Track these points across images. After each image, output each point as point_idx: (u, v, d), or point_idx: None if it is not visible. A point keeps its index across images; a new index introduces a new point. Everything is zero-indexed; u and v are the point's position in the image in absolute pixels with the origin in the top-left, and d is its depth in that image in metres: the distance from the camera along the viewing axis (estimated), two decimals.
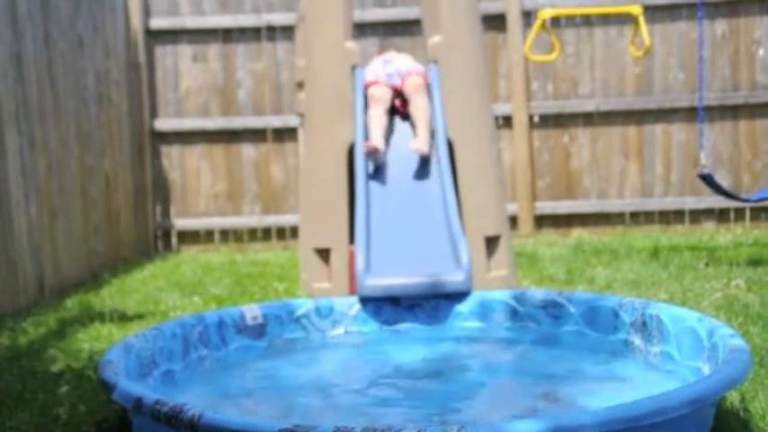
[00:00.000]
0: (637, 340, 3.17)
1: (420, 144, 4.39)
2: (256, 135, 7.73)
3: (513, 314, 3.59)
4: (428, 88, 4.84)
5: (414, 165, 4.70)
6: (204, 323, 3.29)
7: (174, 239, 7.76)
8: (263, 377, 3.21)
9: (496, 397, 2.92)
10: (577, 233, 7.53)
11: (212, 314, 3.41)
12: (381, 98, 4.72)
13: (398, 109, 4.91)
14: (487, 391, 3.04)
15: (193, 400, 2.32)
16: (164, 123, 7.71)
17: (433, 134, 4.68)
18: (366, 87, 4.83)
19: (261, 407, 2.86)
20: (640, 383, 2.92)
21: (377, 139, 4.49)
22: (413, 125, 4.73)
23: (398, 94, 4.91)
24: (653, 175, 7.59)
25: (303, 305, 3.62)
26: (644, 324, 3.14)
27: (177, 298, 4.99)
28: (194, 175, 7.76)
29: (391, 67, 4.98)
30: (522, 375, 3.12)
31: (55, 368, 3.52)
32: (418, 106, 4.63)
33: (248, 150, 7.75)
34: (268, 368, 3.30)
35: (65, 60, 5.85)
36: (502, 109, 7.50)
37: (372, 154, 4.46)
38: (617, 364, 3.12)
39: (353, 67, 4.85)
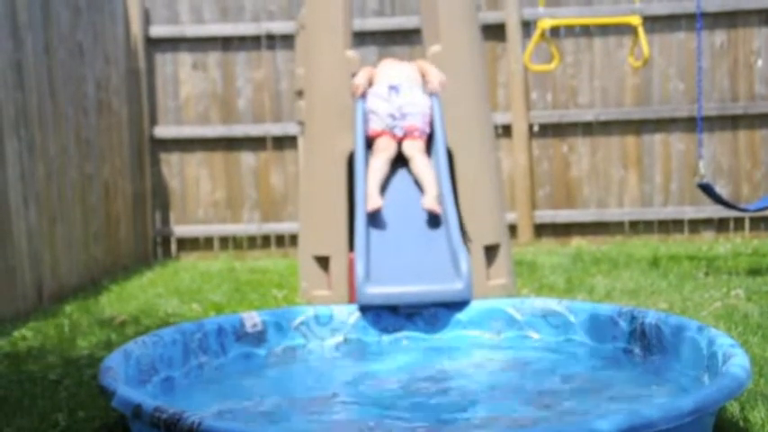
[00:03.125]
0: (636, 349, 3.17)
1: (431, 203, 4.29)
2: (256, 143, 7.72)
3: (513, 323, 3.59)
4: (427, 146, 4.69)
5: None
6: (204, 330, 3.29)
7: (173, 246, 7.75)
8: (262, 384, 3.21)
9: (495, 406, 2.92)
10: (577, 242, 7.53)
11: (212, 321, 3.41)
12: (386, 148, 4.58)
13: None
14: (486, 400, 3.03)
15: (193, 408, 2.32)
16: (163, 131, 7.71)
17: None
18: (371, 137, 4.65)
19: (260, 415, 2.85)
20: (639, 393, 2.92)
21: (375, 198, 4.31)
22: (417, 182, 4.54)
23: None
24: (652, 184, 7.60)
25: (302, 313, 3.62)
26: (643, 333, 3.14)
27: (176, 305, 4.98)
28: (194, 183, 7.76)
29: (396, 102, 4.67)
30: (521, 385, 3.12)
31: (54, 374, 3.51)
32: (420, 166, 4.51)
33: (247, 158, 7.75)
34: (267, 376, 3.31)
35: (65, 68, 5.86)
36: (501, 118, 7.50)
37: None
38: (615, 373, 3.12)
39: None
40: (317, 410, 2.86)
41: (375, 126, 4.65)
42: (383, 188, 4.48)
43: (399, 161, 4.64)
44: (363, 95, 4.73)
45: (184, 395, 2.95)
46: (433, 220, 4.35)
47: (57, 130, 5.66)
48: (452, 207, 4.38)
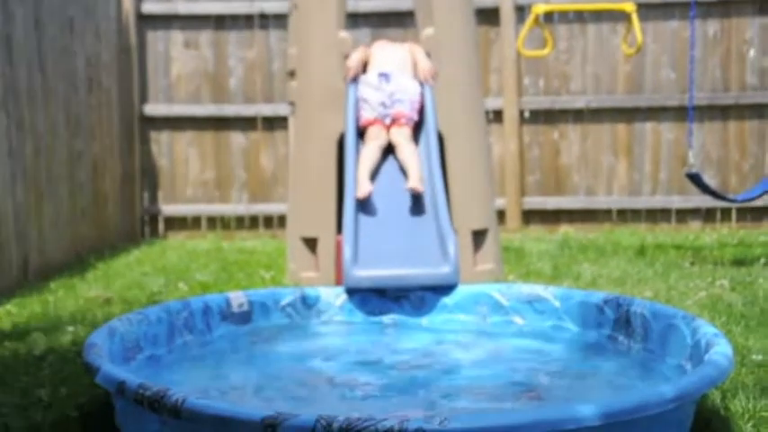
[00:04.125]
0: (620, 337, 3.19)
1: (415, 183, 4.31)
2: (246, 123, 7.70)
3: (498, 308, 3.60)
4: (415, 133, 4.70)
5: None
6: (190, 309, 3.29)
7: (161, 225, 7.74)
8: (247, 364, 3.22)
9: (479, 390, 2.93)
10: (564, 229, 7.55)
11: (198, 300, 3.41)
12: (377, 137, 4.59)
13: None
14: (470, 384, 3.05)
15: (177, 386, 2.32)
16: (153, 109, 7.68)
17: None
18: (363, 126, 4.66)
19: (244, 394, 2.86)
20: (622, 380, 2.94)
21: (365, 184, 4.32)
22: (403, 168, 4.55)
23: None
24: (641, 173, 7.61)
25: (289, 294, 3.63)
26: (628, 321, 3.15)
27: (163, 284, 4.98)
28: (183, 162, 7.74)
29: (386, 89, 4.69)
30: (505, 369, 3.13)
31: (38, 350, 3.51)
32: (406, 153, 4.52)
33: (238, 138, 7.73)
34: (252, 355, 3.32)
35: (55, 43, 5.82)
36: (493, 103, 7.50)
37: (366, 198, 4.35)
38: (600, 360, 3.14)
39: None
40: (302, 391, 2.87)
41: (367, 115, 4.65)
42: (373, 175, 4.48)
43: (389, 148, 4.64)
44: (355, 79, 4.73)
45: (169, 373, 2.95)
46: (422, 205, 4.35)
47: (46, 106, 5.63)
48: (442, 191, 4.38)
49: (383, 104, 4.64)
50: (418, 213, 4.34)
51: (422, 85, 4.74)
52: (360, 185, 4.30)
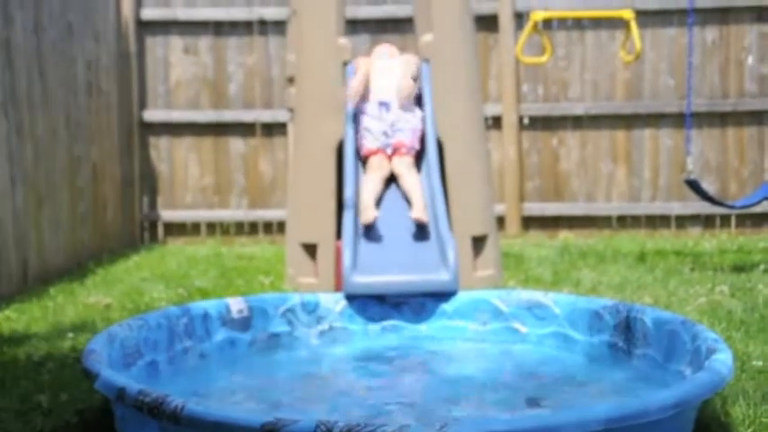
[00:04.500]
0: (620, 343, 3.18)
1: (419, 213, 4.23)
2: (245, 129, 7.71)
3: (498, 314, 3.60)
4: (417, 162, 4.62)
5: None
6: (189, 314, 3.28)
7: (160, 231, 7.74)
8: (246, 370, 3.22)
9: (478, 396, 2.93)
10: (564, 235, 7.55)
11: (198, 305, 3.40)
12: (380, 166, 4.50)
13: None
14: (470, 390, 3.04)
15: (177, 392, 2.32)
16: (153, 114, 7.68)
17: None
18: (365, 155, 4.54)
19: (244, 399, 2.86)
20: (623, 386, 2.94)
21: (370, 209, 4.22)
22: (406, 196, 4.46)
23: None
24: (640, 179, 7.62)
25: (289, 300, 3.62)
26: (628, 327, 3.15)
27: (162, 289, 4.97)
28: (182, 168, 7.74)
29: (387, 118, 4.57)
30: (505, 375, 3.13)
31: (37, 356, 3.50)
32: (410, 182, 4.43)
33: (237, 144, 7.74)
34: (252, 361, 3.31)
35: (54, 48, 5.83)
36: (492, 110, 7.50)
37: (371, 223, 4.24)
38: (599, 367, 3.14)
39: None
40: (301, 397, 2.86)
41: (369, 144, 4.58)
42: (377, 204, 4.42)
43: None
44: (358, 102, 4.69)
45: (169, 379, 2.95)
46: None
47: (45, 110, 5.63)
48: (441, 197, 4.38)
49: (385, 134, 4.58)
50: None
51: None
52: (365, 211, 4.24)
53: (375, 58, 4.88)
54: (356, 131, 4.64)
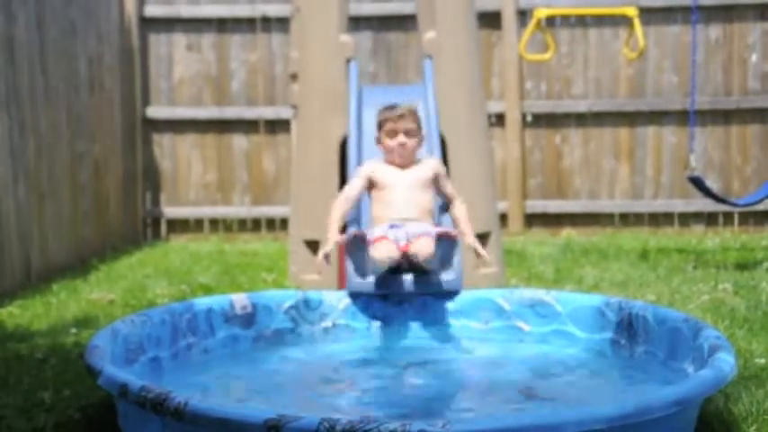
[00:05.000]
0: (623, 340, 3.18)
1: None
2: (248, 126, 7.71)
3: (501, 313, 3.59)
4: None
5: None
6: (193, 311, 3.28)
7: (163, 228, 7.74)
8: (249, 367, 3.22)
9: (481, 394, 2.93)
10: (567, 233, 7.54)
11: (201, 302, 3.40)
12: (388, 251, 3.53)
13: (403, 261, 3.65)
14: (473, 388, 3.05)
15: (180, 388, 2.32)
16: (156, 111, 7.69)
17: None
18: (371, 241, 3.57)
19: (247, 396, 2.86)
20: (625, 383, 2.94)
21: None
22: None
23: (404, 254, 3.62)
24: (643, 177, 7.62)
25: (293, 297, 3.61)
26: (630, 324, 3.15)
27: (165, 286, 4.98)
28: (185, 164, 7.75)
29: (400, 232, 3.60)
30: (508, 373, 3.13)
31: (40, 353, 3.51)
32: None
33: (240, 141, 7.74)
34: (255, 358, 3.31)
35: (57, 45, 5.83)
36: (495, 107, 7.50)
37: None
38: (602, 364, 3.14)
39: (348, 60, 4.79)
40: (304, 394, 2.86)
41: (378, 233, 3.63)
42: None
43: None
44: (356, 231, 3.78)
45: (172, 375, 2.95)
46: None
47: (48, 106, 5.63)
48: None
49: (397, 239, 3.60)
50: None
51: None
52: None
53: (382, 169, 3.73)
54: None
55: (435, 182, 3.74)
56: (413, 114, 3.69)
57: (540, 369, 3.11)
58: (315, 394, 2.87)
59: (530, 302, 3.55)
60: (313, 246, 4.79)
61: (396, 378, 3.06)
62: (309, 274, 4.75)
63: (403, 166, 3.69)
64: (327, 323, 3.61)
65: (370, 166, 3.76)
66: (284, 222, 7.32)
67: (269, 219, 7.70)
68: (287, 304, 3.57)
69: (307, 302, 3.61)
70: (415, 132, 3.67)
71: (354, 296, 3.66)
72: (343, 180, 4.60)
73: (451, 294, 3.65)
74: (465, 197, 4.68)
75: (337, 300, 3.66)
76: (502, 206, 7.24)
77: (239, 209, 7.71)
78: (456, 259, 3.79)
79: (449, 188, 3.80)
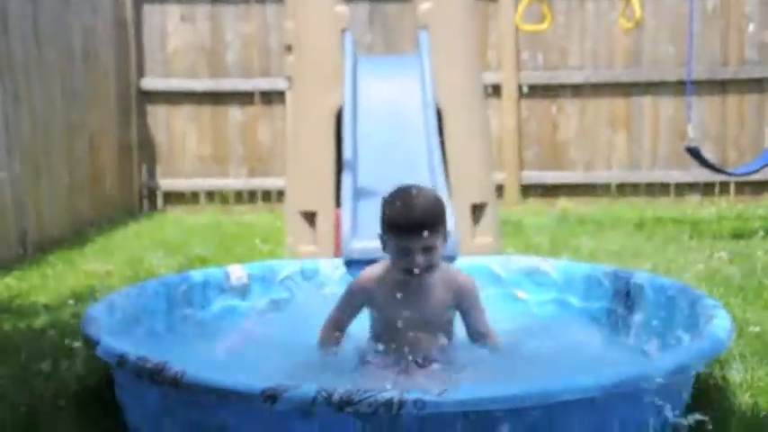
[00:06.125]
0: (619, 309, 3.17)
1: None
2: (244, 97, 7.67)
3: (497, 280, 3.58)
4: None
5: (402, 131, 4.66)
6: (188, 282, 3.27)
7: (159, 200, 7.73)
8: (246, 337, 3.20)
9: (477, 362, 2.92)
10: (563, 203, 7.53)
11: (197, 273, 3.39)
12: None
13: None
14: (468, 356, 3.03)
15: (176, 359, 2.31)
16: (151, 83, 7.64)
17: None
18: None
19: (244, 366, 2.85)
20: (622, 352, 2.94)
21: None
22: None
23: None
24: (640, 147, 7.60)
25: (288, 267, 3.60)
26: (627, 293, 3.14)
27: (161, 257, 4.98)
28: (180, 136, 7.72)
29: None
30: (503, 342, 3.11)
31: (38, 323, 3.51)
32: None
33: (235, 113, 7.71)
34: (251, 329, 3.27)
35: (51, 16, 5.78)
36: (491, 78, 7.45)
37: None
38: (599, 332, 3.12)
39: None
40: (302, 363, 2.85)
41: None
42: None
43: (388, 128, 4.59)
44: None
45: (169, 346, 2.94)
46: (421, 178, 4.32)
47: (42, 79, 5.59)
48: (440, 165, 4.37)
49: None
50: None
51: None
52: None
53: (383, 294, 2.80)
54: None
55: (459, 308, 2.80)
56: (434, 220, 2.64)
57: (537, 338, 3.09)
58: (312, 364, 2.85)
59: (526, 270, 3.54)
60: (309, 217, 4.77)
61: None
62: (306, 244, 4.73)
63: (417, 284, 2.72)
64: (324, 292, 3.60)
65: (366, 283, 2.82)
66: (280, 194, 7.29)
67: (265, 190, 7.68)
68: (283, 274, 3.55)
69: (303, 272, 3.60)
70: (436, 245, 2.65)
71: (350, 264, 3.65)
72: (339, 152, 4.60)
73: (447, 261, 3.64)
74: (461, 168, 4.69)
75: (333, 268, 3.65)
76: (498, 177, 7.23)
77: (235, 181, 7.69)
78: (451, 224, 3.79)
79: (480, 322, 2.81)
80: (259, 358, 2.83)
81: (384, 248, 2.73)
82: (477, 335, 2.79)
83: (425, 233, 2.59)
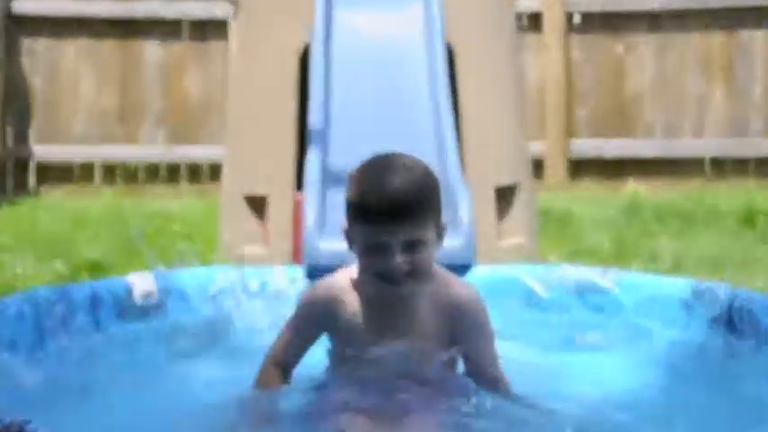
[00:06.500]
0: (719, 344, 3.18)
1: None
2: (166, 28, 7.71)
3: (534, 302, 3.61)
4: None
5: (395, 83, 4.72)
6: (69, 299, 3.27)
7: (31, 175, 7.72)
8: (155, 386, 3.13)
9: None
10: (633, 187, 7.54)
11: (82, 286, 3.42)
12: None
13: None
14: None
15: (44, 417, 2.32)
16: (26, 4, 7.64)
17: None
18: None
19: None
20: (724, 416, 2.87)
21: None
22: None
23: None
24: (747, 103, 7.62)
25: (223, 277, 3.65)
26: (730, 321, 3.15)
27: (31, 263, 4.97)
28: (69, 83, 7.73)
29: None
30: (543, 401, 3.05)
31: None
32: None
33: (153, 50, 7.75)
34: (164, 373, 3.27)
35: None
36: (527, 4, 7.45)
37: None
38: (687, 385, 3.07)
39: None
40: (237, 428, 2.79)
41: None
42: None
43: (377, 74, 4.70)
44: None
45: (33, 395, 2.88)
46: (422, 149, 4.34)
47: None
48: (451, 131, 4.40)
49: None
50: None
51: None
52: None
53: (347, 316, 2.79)
54: None
55: (457, 338, 2.73)
56: (422, 202, 2.59)
57: (598, 396, 3.03)
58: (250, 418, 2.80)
59: (577, 288, 3.56)
60: (256, 204, 4.83)
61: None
62: (251, 243, 4.76)
63: (398, 301, 2.67)
64: (276, 315, 3.57)
65: (324, 299, 2.75)
66: (215, 170, 7.25)
67: (192, 164, 7.70)
68: (215, 288, 3.61)
69: (246, 285, 3.63)
70: (424, 240, 2.59)
71: (315, 274, 3.62)
72: (303, 112, 4.61)
73: (460, 271, 3.62)
74: (481, 135, 4.69)
75: (291, 280, 3.69)
76: (535, 149, 7.20)
77: (149, 149, 7.72)
78: (466, 220, 3.79)
79: (488, 359, 2.76)
80: (171, 415, 2.78)
81: (350, 246, 2.66)
82: (483, 379, 2.70)
83: (409, 221, 2.52)
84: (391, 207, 2.50)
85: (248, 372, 3.22)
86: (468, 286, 2.80)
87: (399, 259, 2.52)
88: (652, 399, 2.96)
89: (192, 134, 7.74)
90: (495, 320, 3.48)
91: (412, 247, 2.53)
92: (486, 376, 2.69)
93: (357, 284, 2.68)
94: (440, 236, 2.63)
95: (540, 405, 2.68)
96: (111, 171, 7.73)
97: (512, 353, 3.39)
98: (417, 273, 2.56)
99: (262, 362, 2.80)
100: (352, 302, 2.68)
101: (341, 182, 4.13)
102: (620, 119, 7.71)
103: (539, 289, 3.64)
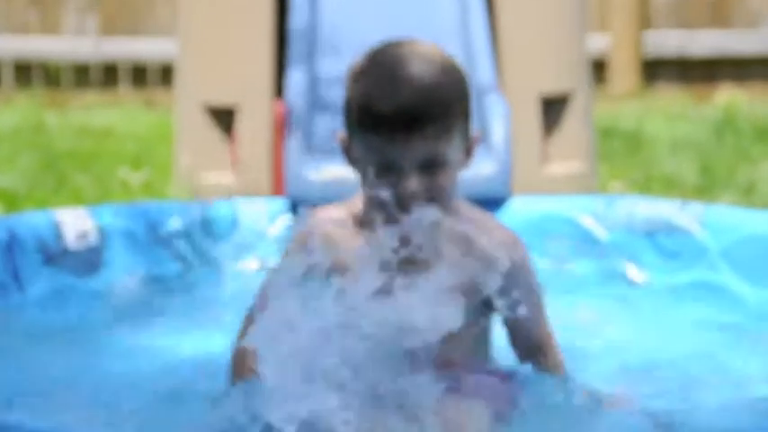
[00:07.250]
0: None
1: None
2: None
3: (590, 244, 3.67)
4: None
5: None
6: None
7: None
8: (87, 353, 3.22)
9: None
10: (728, 95, 7.56)
11: None
12: None
13: None
14: None
15: None
16: None
17: None
18: None
19: (79, 406, 2.87)
20: None
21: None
22: None
23: None
24: None
25: (179, 213, 3.68)
26: None
27: None
28: None
29: None
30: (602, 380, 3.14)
31: None
32: None
33: None
34: (99, 337, 3.33)
35: None
36: None
37: None
38: None
39: None
40: (178, 407, 2.88)
41: None
42: None
43: None
44: None
45: None
46: (444, 41, 4.40)
47: None
48: (482, 25, 4.48)
49: None
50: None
51: None
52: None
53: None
54: None
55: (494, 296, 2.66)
56: (445, 105, 2.56)
57: (668, 373, 3.11)
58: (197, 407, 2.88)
59: (647, 226, 3.61)
60: (223, 118, 4.87)
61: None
62: (215, 169, 4.82)
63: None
64: (249, 264, 3.66)
65: (319, 250, 2.62)
66: (167, 72, 7.32)
67: (136, 63, 7.73)
68: (169, 228, 3.65)
69: (206, 224, 3.67)
70: (446, 158, 2.57)
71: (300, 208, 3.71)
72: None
73: (494, 205, 3.69)
74: (521, 28, 4.76)
75: (267, 216, 3.73)
76: (597, 44, 7.24)
77: (77, 43, 7.74)
78: (500, 134, 3.83)
79: (536, 323, 2.76)
80: (106, 399, 2.88)
81: (350, 161, 2.65)
82: (527, 347, 2.72)
83: (429, 131, 2.49)
84: (405, 112, 2.46)
85: (214, 342, 3.32)
86: (506, 229, 2.77)
87: (414, 182, 2.48)
88: (729, 370, 3.03)
89: (134, 23, 7.76)
90: (540, 272, 3.60)
91: (431, 166, 2.50)
92: (532, 345, 2.70)
93: (361, 221, 2.63)
94: (468, 153, 2.61)
95: (602, 394, 2.68)
96: (25, 72, 7.75)
97: (563, 315, 3.50)
98: (438, 200, 2.51)
99: (235, 338, 2.70)
100: (350, 241, 2.62)
101: (336, 86, 4.22)
102: (713, 5, 7.72)
103: (596, 228, 3.68)
